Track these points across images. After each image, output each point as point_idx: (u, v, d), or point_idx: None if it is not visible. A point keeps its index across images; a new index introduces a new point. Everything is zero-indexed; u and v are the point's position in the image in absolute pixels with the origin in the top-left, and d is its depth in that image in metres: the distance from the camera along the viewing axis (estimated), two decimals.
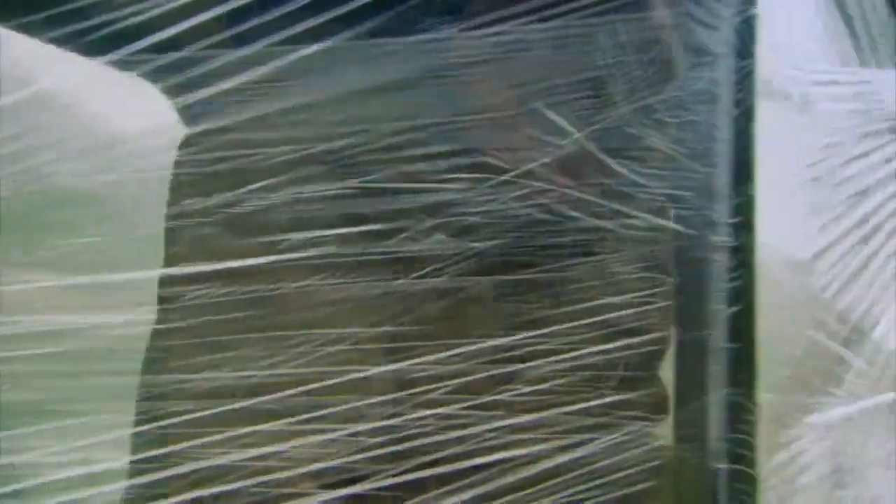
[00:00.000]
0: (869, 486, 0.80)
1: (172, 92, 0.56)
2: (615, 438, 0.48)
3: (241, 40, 0.52)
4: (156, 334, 0.57)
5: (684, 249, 0.50)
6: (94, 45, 0.54)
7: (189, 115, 0.57)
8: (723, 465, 0.48)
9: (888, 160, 0.83)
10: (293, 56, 0.52)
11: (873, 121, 0.82)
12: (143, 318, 0.56)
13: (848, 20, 0.74)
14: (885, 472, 0.85)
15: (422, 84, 0.53)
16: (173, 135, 0.60)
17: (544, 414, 0.49)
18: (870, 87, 0.80)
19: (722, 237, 0.49)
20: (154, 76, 0.56)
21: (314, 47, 0.52)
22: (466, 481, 0.48)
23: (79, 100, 0.60)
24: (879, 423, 0.84)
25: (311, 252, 0.52)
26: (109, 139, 0.58)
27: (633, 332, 0.49)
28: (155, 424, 0.52)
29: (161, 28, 0.53)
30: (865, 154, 0.78)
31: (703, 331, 0.49)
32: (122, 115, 0.62)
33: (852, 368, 0.74)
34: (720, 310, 0.49)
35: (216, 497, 0.50)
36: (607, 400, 0.49)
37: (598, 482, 0.49)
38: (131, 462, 0.51)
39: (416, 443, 0.49)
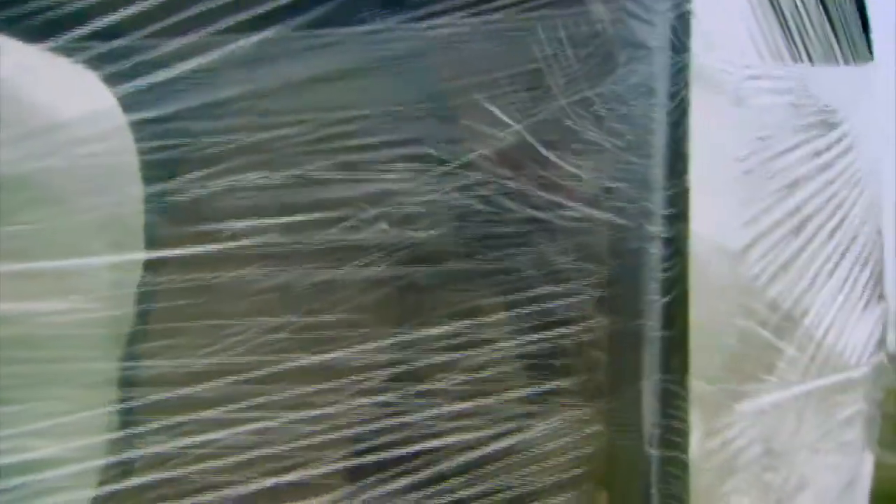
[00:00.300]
0: (797, 469, 0.83)
1: (112, 80, 0.55)
2: (551, 425, 0.49)
3: (181, 29, 0.52)
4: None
5: (619, 240, 0.50)
6: (33, 31, 0.54)
7: (128, 103, 0.56)
8: (655, 451, 0.49)
9: (818, 153, 0.86)
10: (233, 46, 0.52)
11: (805, 115, 0.84)
12: (78, 306, 0.55)
13: (780, 16, 0.75)
14: (813, 455, 0.88)
15: (362, 75, 0.53)
16: (114, 123, 0.59)
17: (482, 401, 0.50)
18: (802, 82, 0.83)
19: (656, 228, 0.50)
20: (94, 64, 0.56)
21: (255, 37, 0.52)
22: (405, 467, 0.49)
23: (17, 86, 0.59)
24: (808, 409, 0.87)
25: (252, 241, 0.52)
26: (48, 125, 0.57)
27: (569, 320, 0.50)
28: (91, 413, 0.51)
29: (101, 15, 0.52)
30: (797, 147, 0.80)
31: (637, 319, 0.50)
32: (62, 102, 0.61)
33: (783, 356, 0.76)
34: (654, 299, 0.50)
35: (158, 484, 0.50)
36: (543, 387, 0.50)
37: (534, 467, 0.49)
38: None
39: (356, 430, 0.49)
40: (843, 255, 0.94)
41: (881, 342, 1.20)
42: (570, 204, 0.50)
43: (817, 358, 0.84)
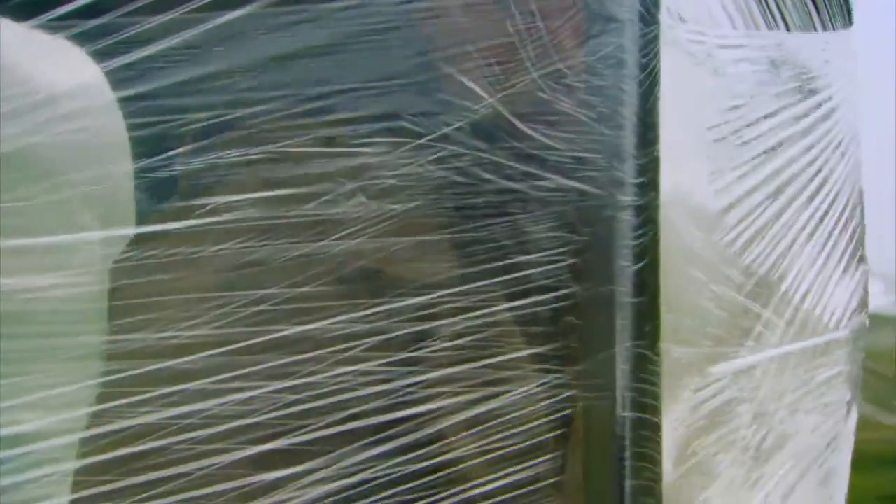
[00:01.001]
0: (775, 429, 0.84)
1: (98, 56, 0.56)
2: (528, 390, 0.50)
3: (162, 6, 0.52)
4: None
5: (591, 209, 0.51)
6: (18, 8, 0.54)
7: (113, 80, 0.57)
8: (628, 414, 0.50)
9: (797, 119, 0.86)
10: (212, 23, 0.52)
11: (782, 82, 0.84)
12: (68, 280, 0.55)
13: None
14: (792, 415, 0.89)
15: (339, 50, 0.53)
16: (103, 98, 0.60)
17: (460, 368, 0.51)
18: (779, 49, 0.83)
19: (627, 196, 0.50)
20: (81, 40, 0.56)
21: (233, 13, 0.52)
22: (385, 434, 0.50)
23: (6, 61, 0.59)
24: (786, 371, 0.88)
25: (232, 216, 0.52)
26: (39, 100, 0.58)
27: (544, 288, 0.51)
28: (77, 385, 0.52)
29: None
30: (773, 114, 0.80)
31: (610, 286, 0.51)
32: (51, 77, 0.61)
33: (760, 319, 0.77)
34: (625, 266, 0.51)
35: (144, 454, 0.51)
36: (519, 354, 0.51)
37: (511, 432, 0.51)
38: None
39: (337, 398, 0.50)
40: (821, 220, 0.95)
41: (862, 304, 1.21)
42: (543, 174, 0.51)
43: (795, 321, 0.84)
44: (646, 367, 0.52)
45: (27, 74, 0.59)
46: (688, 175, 0.62)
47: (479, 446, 0.51)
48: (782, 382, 0.85)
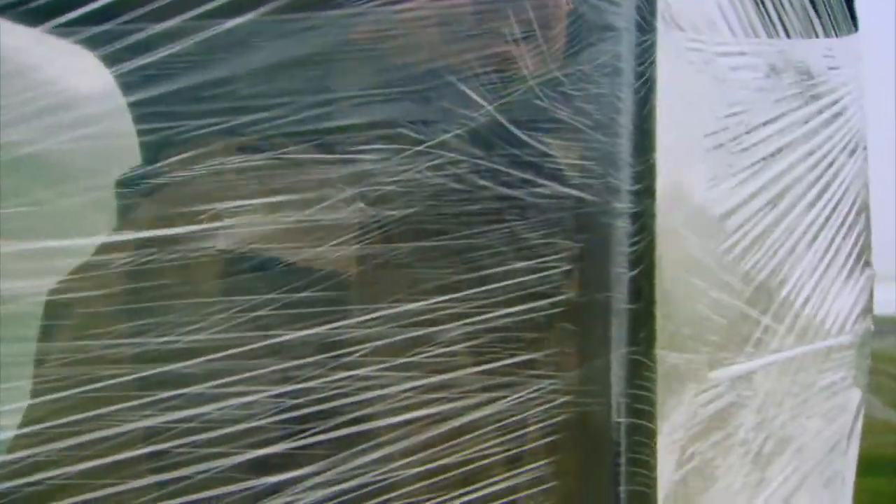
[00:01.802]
0: (776, 433, 0.84)
1: (108, 62, 0.57)
2: (523, 396, 0.51)
3: (166, 13, 0.52)
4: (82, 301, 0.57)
5: (588, 216, 0.51)
6: (30, 14, 0.55)
7: (121, 85, 0.57)
8: (623, 420, 0.50)
9: (798, 124, 0.87)
10: (211, 31, 0.53)
11: (783, 87, 0.85)
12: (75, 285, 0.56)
13: None
14: (793, 420, 0.89)
15: (338, 58, 0.54)
16: (114, 103, 0.61)
17: (456, 374, 0.51)
18: (778, 56, 0.83)
19: (623, 204, 0.51)
20: (91, 45, 0.57)
21: (234, 21, 0.53)
22: (383, 438, 0.50)
23: (23, 66, 0.60)
24: (787, 376, 0.88)
25: (234, 221, 0.53)
26: (52, 105, 0.58)
27: (540, 295, 0.51)
28: (79, 390, 0.52)
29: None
30: (774, 119, 0.80)
31: (606, 292, 0.51)
32: (67, 81, 0.62)
33: (759, 325, 0.77)
34: (621, 272, 0.51)
35: (147, 458, 0.51)
36: (515, 360, 0.51)
37: (506, 437, 0.51)
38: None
39: (335, 403, 0.51)
40: (824, 225, 0.95)
41: (866, 310, 1.20)
42: (540, 181, 0.51)
43: (796, 327, 0.85)
44: (641, 373, 0.52)
45: (47, 77, 0.60)
46: (686, 181, 0.62)
47: (475, 451, 0.51)
48: (783, 387, 0.85)
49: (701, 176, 0.65)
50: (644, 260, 0.52)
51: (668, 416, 0.57)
